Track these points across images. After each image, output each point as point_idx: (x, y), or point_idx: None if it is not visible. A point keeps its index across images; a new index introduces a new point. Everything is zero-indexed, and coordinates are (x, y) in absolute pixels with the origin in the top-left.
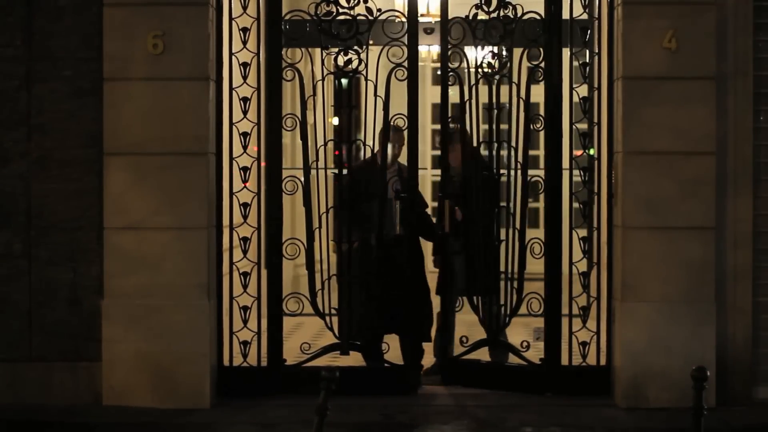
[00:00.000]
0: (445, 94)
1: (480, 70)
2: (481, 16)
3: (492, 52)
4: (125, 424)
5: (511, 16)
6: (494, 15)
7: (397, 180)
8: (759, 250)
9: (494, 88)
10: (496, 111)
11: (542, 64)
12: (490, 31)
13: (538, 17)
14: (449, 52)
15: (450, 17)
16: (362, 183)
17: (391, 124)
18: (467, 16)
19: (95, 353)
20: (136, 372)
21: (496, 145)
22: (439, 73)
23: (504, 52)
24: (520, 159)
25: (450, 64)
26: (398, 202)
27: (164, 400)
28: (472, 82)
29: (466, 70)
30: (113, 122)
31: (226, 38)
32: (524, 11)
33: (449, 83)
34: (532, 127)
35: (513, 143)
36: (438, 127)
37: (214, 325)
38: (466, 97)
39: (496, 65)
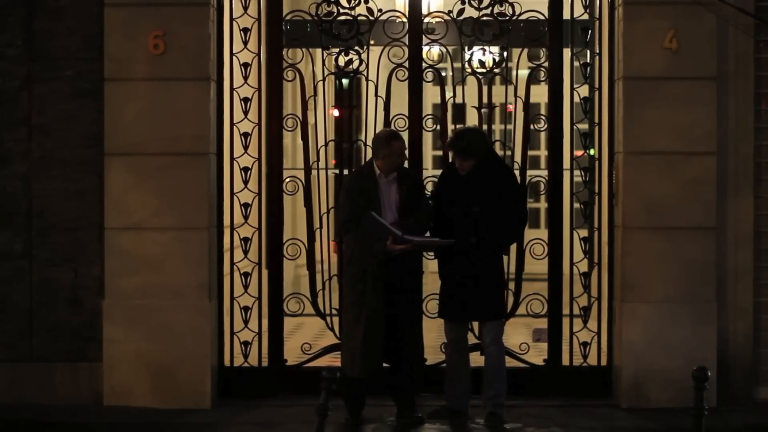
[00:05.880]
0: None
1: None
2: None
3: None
4: (126, 424)
5: (508, 15)
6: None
7: None
8: (760, 250)
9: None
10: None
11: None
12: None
13: (541, 17)
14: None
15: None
16: None
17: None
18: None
19: (96, 353)
20: (137, 372)
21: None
22: (443, 74)
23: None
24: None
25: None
26: None
27: (165, 401)
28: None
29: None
30: (114, 122)
31: (226, 38)
32: (523, 10)
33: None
34: (532, 127)
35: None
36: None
37: (215, 325)
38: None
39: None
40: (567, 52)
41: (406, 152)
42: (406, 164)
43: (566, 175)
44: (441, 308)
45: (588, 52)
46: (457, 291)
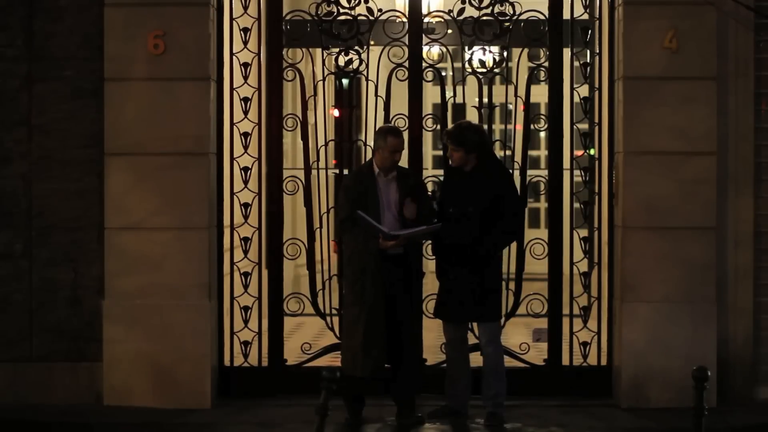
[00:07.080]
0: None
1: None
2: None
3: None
4: (126, 424)
5: (508, 14)
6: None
7: None
8: (760, 250)
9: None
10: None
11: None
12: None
13: (542, 17)
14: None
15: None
16: None
17: None
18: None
19: (96, 353)
20: (137, 372)
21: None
22: (443, 74)
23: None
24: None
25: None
26: None
27: (165, 400)
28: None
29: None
30: (114, 122)
31: (226, 38)
32: (523, 10)
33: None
34: (532, 127)
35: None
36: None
37: (214, 325)
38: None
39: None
40: (567, 52)
41: (404, 152)
42: (406, 164)
43: (566, 175)
44: (437, 308)
45: (588, 52)
46: (453, 292)
